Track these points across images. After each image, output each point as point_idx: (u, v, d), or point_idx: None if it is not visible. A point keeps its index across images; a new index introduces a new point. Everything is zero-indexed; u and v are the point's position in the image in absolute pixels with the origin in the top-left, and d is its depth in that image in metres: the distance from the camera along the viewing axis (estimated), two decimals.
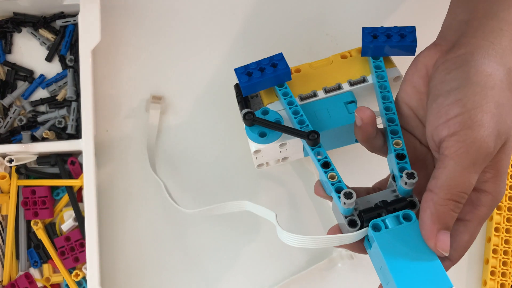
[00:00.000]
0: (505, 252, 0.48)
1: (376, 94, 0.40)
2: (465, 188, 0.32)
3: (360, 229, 0.34)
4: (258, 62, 0.42)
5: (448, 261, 0.34)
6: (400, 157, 0.35)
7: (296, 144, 0.41)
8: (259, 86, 0.42)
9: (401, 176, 0.34)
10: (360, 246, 0.35)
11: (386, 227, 0.33)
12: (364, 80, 0.43)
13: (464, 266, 0.49)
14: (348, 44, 0.46)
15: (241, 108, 0.43)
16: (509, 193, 0.49)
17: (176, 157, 0.51)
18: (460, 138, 0.31)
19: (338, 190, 0.34)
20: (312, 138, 0.37)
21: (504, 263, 0.48)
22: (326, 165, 0.36)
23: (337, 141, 0.43)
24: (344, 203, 0.33)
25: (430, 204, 0.32)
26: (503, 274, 0.48)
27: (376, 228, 0.33)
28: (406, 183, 0.34)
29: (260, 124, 0.40)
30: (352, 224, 0.34)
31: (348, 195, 0.33)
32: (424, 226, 0.32)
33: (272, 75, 0.41)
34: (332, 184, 0.35)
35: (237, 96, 0.44)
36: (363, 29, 0.42)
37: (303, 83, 0.43)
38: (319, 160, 0.37)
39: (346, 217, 0.34)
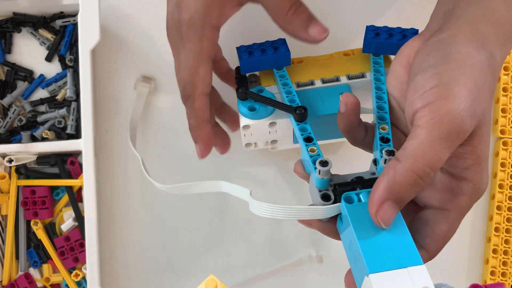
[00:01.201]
0: (505, 252, 0.48)
1: (371, 85, 0.41)
2: (432, 163, 0.29)
3: (333, 204, 0.33)
4: (260, 44, 0.43)
5: (424, 251, 0.33)
6: (384, 140, 0.35)
7: (286, 126, 0.42)
8: (259, 65, 0.43)
9: (382, 156, 0.33)
10: (333, 229, 0.34)
11: (360, 201, 0.32)
12: (362, 76, 0.43)
13: (464, 266, 0.49)
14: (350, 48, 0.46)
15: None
16: (509, 193, 0.49)
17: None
18: (434, 108, 0.29)
19: (315, 162, 0.34)
20: (300, 113, 0.38)
21: (504, 263, 0.48)
22: (308, 139, 0.36)
23: (329, 131, 0.43)
24: (319, 172, 0.33)
25: (390, 171, 0.30)
26: (503, 274, 0.48)
27: (349, 201, 0.32)
28: (385, 161, 0.32)
29: (252, 98, 0.40)
30: (325, 198, 0.33)
31: (323, 163, 0.33)
32: (375, 190, 0.29)
33: (272, 56, 0.42)
34: (311, 157, 0.35)
35: (236, 77, 0.44)
36: (367, 27, 0.43)
37: (303, 73, 0.44)
38: (302, 135, 0.37)
39: (320, 191, 0.33)
